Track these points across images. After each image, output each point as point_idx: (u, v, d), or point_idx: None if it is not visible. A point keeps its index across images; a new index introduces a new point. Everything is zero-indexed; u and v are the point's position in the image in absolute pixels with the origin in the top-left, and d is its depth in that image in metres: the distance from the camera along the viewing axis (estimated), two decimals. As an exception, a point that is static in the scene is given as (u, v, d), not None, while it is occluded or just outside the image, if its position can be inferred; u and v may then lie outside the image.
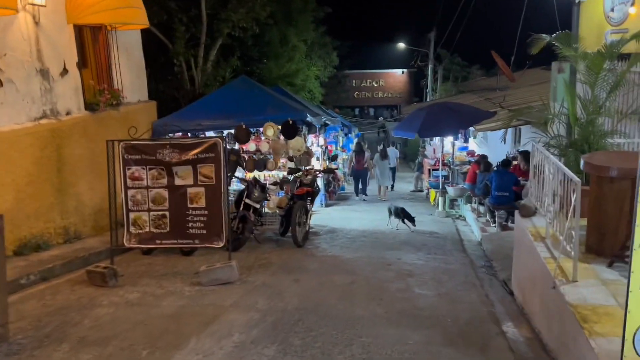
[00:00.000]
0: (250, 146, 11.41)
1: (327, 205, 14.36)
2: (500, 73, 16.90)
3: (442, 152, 15.49)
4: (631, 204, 3.87)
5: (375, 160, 16.80)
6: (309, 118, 11.23)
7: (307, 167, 10.15)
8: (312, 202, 9.70)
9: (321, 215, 12.95)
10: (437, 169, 15.79)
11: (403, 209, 10.96)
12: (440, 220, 12.38)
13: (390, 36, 36.11)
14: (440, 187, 13.41)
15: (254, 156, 11.45)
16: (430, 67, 28.75)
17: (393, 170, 18.66)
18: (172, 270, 7.34)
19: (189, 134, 11.46)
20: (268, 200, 9.66)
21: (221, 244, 6.77)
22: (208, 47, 16.55)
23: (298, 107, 11.65)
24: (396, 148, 20.58)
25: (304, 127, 11.32)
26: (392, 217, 11.05)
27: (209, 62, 16.47)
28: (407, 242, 9.52)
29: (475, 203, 11.97)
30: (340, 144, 18.97)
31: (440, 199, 13.21)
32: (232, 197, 9.01)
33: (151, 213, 6.94)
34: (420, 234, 10.45)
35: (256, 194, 8.90)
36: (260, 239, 9.33)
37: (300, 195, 9.28)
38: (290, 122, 10.76)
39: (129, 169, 6.92)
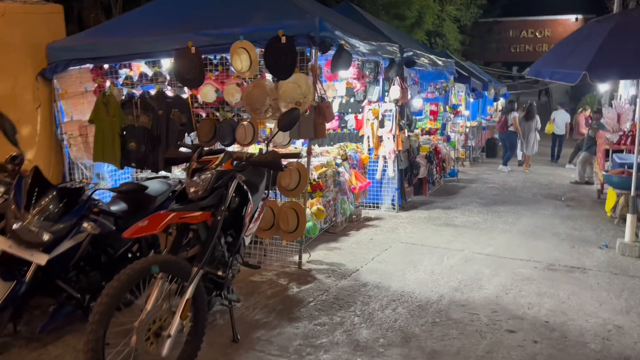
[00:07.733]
0: (208, 92, 5.59)
1: (403, 208, 8.12)
2: None
3: (635, 119, 8.26)
4: None
5: (519, 122, 12.65)
6: (328, 31, 5.10)
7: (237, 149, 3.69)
8: (232, 245, 3.37)
9: (378, 231, 6.89)
10: (623, 151, 8.70)
11: None
12: (625, 269, 5.56)
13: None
14: (633, 188, 6.33)
15: (217, 113, 5.71)
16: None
17: (560, 139, 14.48)
18: None
19: (105, 66, 6.05)
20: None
21: None
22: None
23: (312, 11, 5.47)
24: (567, 111, 14.82)
25: (314, 50, 5.20)
26: None
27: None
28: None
29: None
30: (458, 102, 12.10)
31: (630, 217, 6.22)
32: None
33: None
34: (581, 340, 3.89)
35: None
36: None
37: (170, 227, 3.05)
38: (283, 38, 4.84)
39: None
